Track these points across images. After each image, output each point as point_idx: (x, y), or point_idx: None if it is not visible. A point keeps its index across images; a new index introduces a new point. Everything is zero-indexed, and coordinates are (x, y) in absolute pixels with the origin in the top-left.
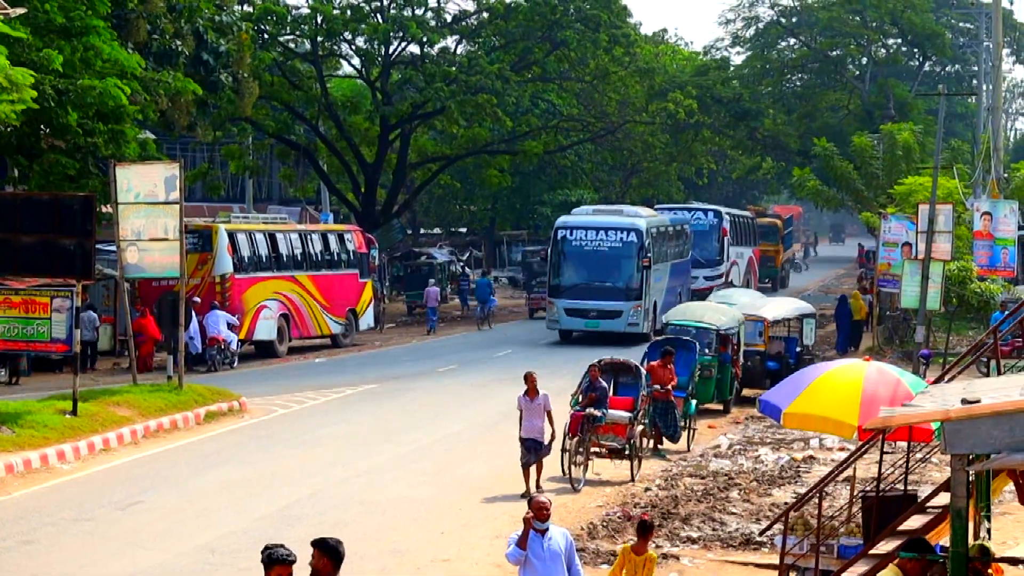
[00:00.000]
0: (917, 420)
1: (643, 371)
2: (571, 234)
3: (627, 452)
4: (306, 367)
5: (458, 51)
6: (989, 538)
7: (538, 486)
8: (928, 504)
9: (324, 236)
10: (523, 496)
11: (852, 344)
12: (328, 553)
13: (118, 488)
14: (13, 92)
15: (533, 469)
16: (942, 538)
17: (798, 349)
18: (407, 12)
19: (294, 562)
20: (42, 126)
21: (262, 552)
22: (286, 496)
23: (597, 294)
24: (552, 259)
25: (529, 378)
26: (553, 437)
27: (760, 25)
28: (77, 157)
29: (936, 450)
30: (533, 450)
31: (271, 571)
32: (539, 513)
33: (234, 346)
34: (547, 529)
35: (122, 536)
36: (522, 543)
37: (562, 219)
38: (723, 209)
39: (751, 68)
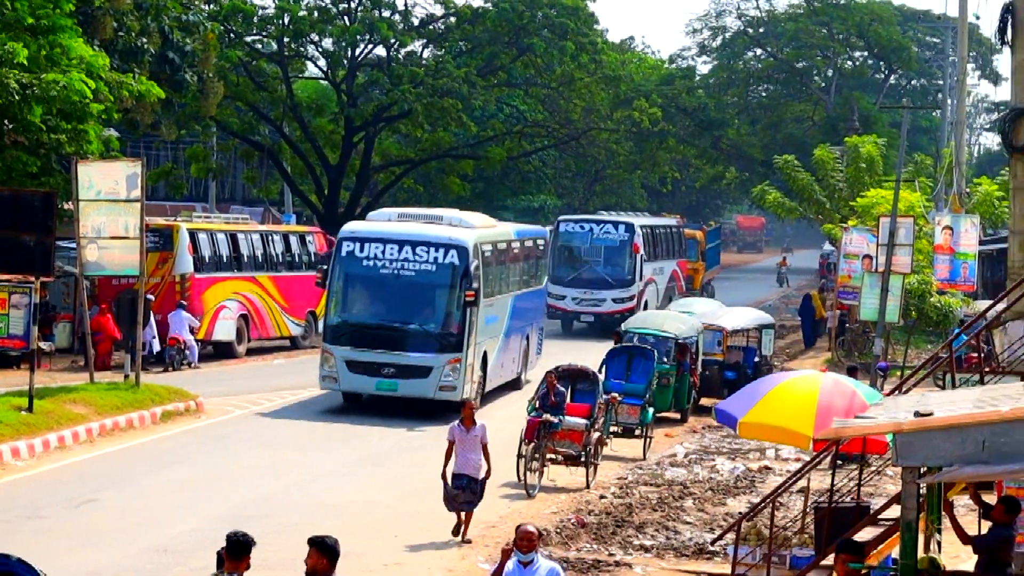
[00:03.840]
0: (869, 432)
1: (600, 378)
2: (361, 250)
3: (583, 459)
4: (264, 368)
5: (424, 55)
6: (939, 551)
7: (465, 535)
8: (880, 516)
9: (285, 237)
10: (453, 532)
11: (816, 338)
12: (325, 552)
13: (72, 486)
14: None
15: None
16: (892, 550)
17: (756, 359)
18: (375, 14)
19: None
20: (5, 121)
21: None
22: (240, 497)
23: (395, 342)
24: (331, 286)
25: (466, 405)
26: (488, 475)
27: (727, 35)
28: (40, 154)
29: (890, 462)
30: (468, 489)
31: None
32: (520, 543)
33: (194, 355)
34: (532, 561)
35: (75, 534)
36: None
37: (348, 227)
38: (636, 221)
39: (717, 78)
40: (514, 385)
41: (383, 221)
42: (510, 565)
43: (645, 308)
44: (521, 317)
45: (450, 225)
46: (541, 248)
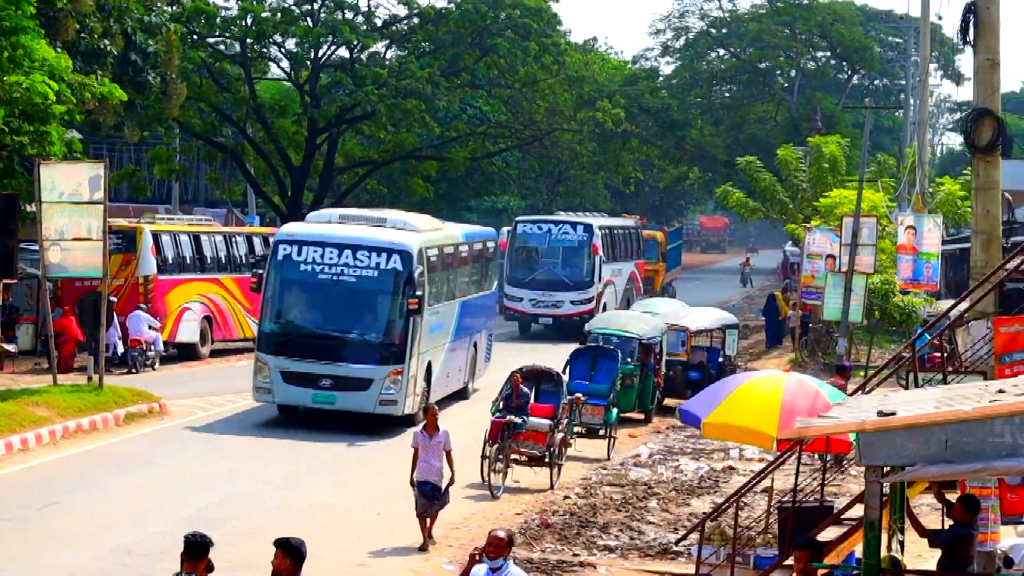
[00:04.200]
0: (832, 431)
1: (564, 379)
2: (299, 253)
3: (547, 460)
4: (228, 370)
5: (388, 56)
6: (902, 551)
7: (430, 537)
8: (844, 516)
9: (249, 239)
10: (421, 548)
11: (781, 338)
12: (290, 553)
13: (35, 489)
14: None
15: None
16: (853, 548)
17: (720, 359)
18: (338, 15)
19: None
20: None
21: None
22: (204, 499)
23: (333, 352)
24: (266, 291)
25: (429, 411)
26: (452, 482)
27: (690, 35)
28: (2, 156)
29: (853, 462)
30: (431, 496)
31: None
32: (487, 549)
33: (159, 346)
34: (500, 568)
35: (39, 537)
36: None
37: (285, 229)
38: (595, 221)
39: (680, 78)
40: (461, 395)
41: (322, 223)
42: (482, 570)
43: (604, 310)
44: (469, 323)
45: (394, 228)
46: (491, 250)
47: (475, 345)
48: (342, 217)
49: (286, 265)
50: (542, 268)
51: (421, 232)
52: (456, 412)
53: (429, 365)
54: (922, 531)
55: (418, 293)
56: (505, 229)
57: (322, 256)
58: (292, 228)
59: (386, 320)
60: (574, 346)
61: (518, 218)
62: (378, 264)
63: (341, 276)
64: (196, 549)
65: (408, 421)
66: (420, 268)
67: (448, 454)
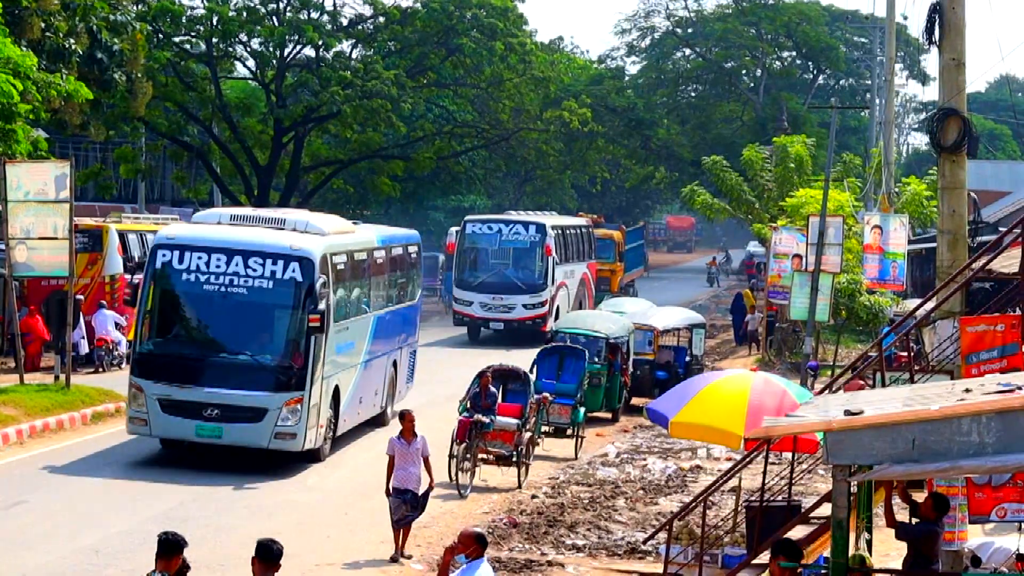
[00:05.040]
0: (799, 430)
1: (531, 378)
2: (180, 260)
3: (514, 459)
4: None
5: (353, 55)
6: (869, 549)
7: (402, 552)
8: (811, 515)
9: None
10: (392, 560)
11: (746, 337)
12: (265, 557)
13: (2, 488)
14: None
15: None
16: (824, 549)
17: (687, 359)
18: (303, 15)
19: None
20: None
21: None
22: (172, 498)
23: (220, 377)
24: (142, 304)
25: (406, 417)
26: (431, 488)
27: (656, 35)
28: None
29: (820, 461)
30: (409, 503)
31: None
32: (458, 546)
33: (123, 347)
34: (472, 565)
35: (6, 537)
36: None
37: (165, 232)
38: (547, 221)
39: (646, 78)
40: (377, 421)
41: (210, 224)
42: (459, 565)
43: (557, 314)
44: (386, 340)
45: (294, 231)
46: (413, 256)
47: (395, 364)
48: (234, 218)
49: (166, 274)
50: (493, 270)
51: (326, 235)
52: (363, 447)
53: (336, 390)
54: (891, 521)
55: (320, 308)
56: (454, 229)
57: (208, 264)
58: (173, 231)
59: (283, 339)
60: (526, 352)
61: (467, 217)
62: (274, 273)
63: (230, 287)
64: (169, 548)
65: (313, 456)
66: (324, 278)
67: (426, 460)
